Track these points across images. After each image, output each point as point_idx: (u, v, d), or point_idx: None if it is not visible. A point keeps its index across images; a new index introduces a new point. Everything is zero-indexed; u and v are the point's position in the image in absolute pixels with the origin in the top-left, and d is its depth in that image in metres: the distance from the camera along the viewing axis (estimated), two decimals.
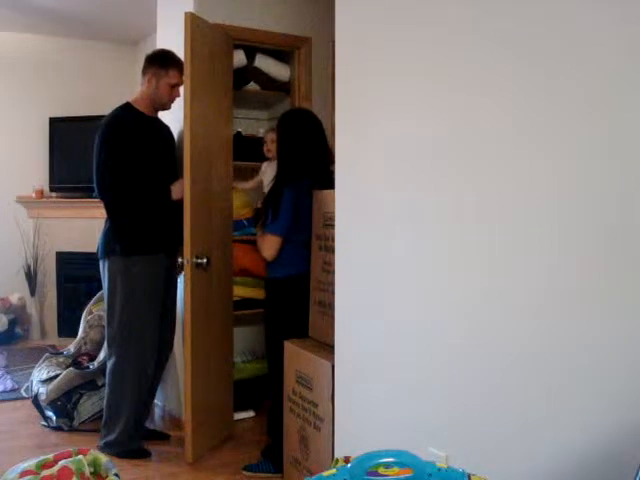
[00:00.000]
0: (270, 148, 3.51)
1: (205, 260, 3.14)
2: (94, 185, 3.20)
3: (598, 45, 1.41)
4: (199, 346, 3.18)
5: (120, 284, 3.19)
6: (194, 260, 3.10)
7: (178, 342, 3.49)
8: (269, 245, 2.93)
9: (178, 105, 3.26)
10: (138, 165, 3.20)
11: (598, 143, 1.42)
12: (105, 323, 3.34)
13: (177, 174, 3.34)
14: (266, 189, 3.24)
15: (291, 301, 2.97)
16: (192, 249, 3.09)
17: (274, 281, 3.03)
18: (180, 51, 3.14)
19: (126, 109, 3.29)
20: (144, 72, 3.31)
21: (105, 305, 3.30)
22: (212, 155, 3.33)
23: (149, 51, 3.45)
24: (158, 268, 3.27)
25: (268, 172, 3.35)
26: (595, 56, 1.42)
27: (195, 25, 3.13)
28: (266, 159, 3.72)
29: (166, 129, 3.45)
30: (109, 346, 3.29)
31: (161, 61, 3.29)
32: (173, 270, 3.39)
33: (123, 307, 3.20)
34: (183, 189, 3.12)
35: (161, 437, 3.51)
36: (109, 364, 3.28)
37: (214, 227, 3.34)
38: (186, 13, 3.10)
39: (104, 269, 3.26)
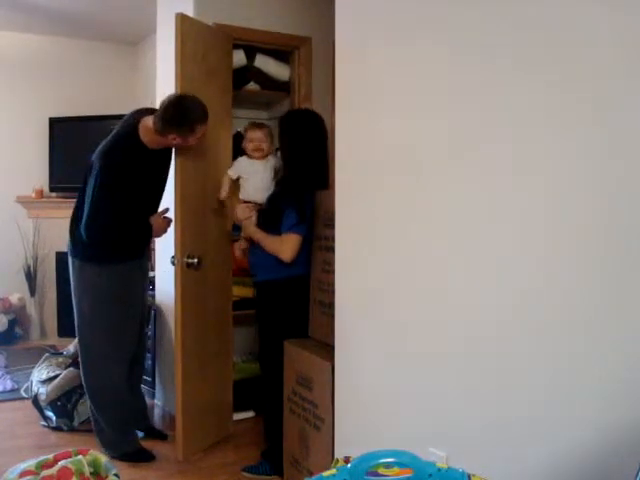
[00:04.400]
0: (263, 147, 3.12)
1: (196, 260, 3.12)
2: (85, 214, 3.01)
3: (597, 43, 1.41)
4: (191, 346, 3.18)
5: (92, 291, 3.13)
6: (184, 260, 3.10)
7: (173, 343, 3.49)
8: (292, 246, 2.85)
9: None
10: (131, 201, 3.05)
11: (600, 142, 1.42)
12: (76, 322, 3.24)
13: (164, 186, 3.29)
14: (262, 190, 3.11)
15: (291, 303, 2.95)
16: (182, 249, 3.09)
17: (272, 283, 2.99)
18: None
19: (136, 145, 3.05)
20: (163, 130, 2.97)
21: (74, 304, 3.21)
22: (208, 155, 3.32)
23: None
24: (133, 273, 3.22)
25: (261, 172, 3.07)
26: (594, 55, 1.42)
27: (188, 26, 3.13)
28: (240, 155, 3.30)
29: (167, 152, 3.22)
30: (83, 347, 3.22)
31: (183, 123, 2.96)
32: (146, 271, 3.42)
33: (95, 313, 3.13)
34: (162, 224, 3.16)
35: (160, 436, 3.51)
36: (84, 366, 3.22)
37: (209, 227, 3.32)
38: (177, 14, 3.09)
39: (73, 268, 3.18)
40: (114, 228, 3.03)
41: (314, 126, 2.99)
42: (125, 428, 3.28)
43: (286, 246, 2.86)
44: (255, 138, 3.10)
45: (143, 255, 3.34)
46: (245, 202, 3.12)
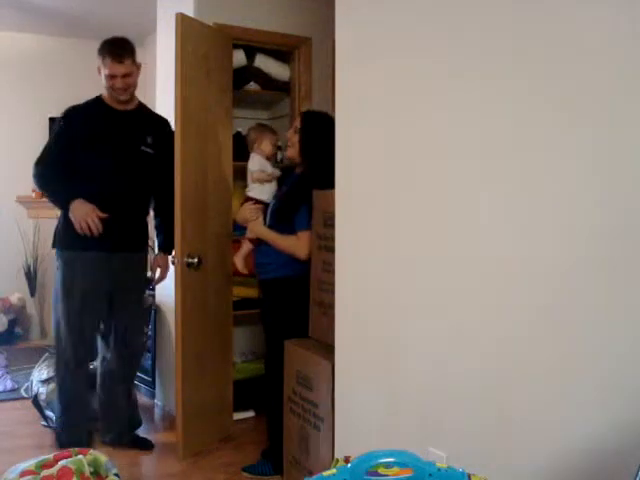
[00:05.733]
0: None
1: (196, 260, 3.12)
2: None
3: (597, 43, 1.41)
4: (191, 346, 3.18)
5: (56, 276, 3.23)
6: (184, 260, 3.10)
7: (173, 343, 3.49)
8: (308, 243, 2.85)
9: (170, 105, 3.23)
10: (77, 157, 3.13)
11: (606, 142, 1.42)
12: None
13: (138, 169, 3.24)
14: (271, 192, 3.15)
15: (295, 301, 2.95)
16: (182, 249, 3.09)
17: (287, 280, 2.98)
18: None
19: (95, 101, 3.33)
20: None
21: None
22: (207, 155, 3.32)
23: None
24: (89, 268, 3.12)
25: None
26: (595, 55, 1.42)
27: (188, 26, 3.13)
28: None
29: (144, 124, 3.29)
30: None
31: (99, 50, 3.24)
32: (132, 267, 3.28)
33: (55, 299, 3.22)
34: (85, 214, 3.01)
35: (145, 446, 3.37)
36: None
37: (210, 227, 3.32)
38: (177, 14, 3.10)
39: None
40: (52, 176, 3.16)
41: (332, 129, 2.99)
42: (71, 419, 3.26)
43: (303, 244, 2.87)
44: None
45: (115, 250, 3.15)
46: (251, 201, 3.11)
